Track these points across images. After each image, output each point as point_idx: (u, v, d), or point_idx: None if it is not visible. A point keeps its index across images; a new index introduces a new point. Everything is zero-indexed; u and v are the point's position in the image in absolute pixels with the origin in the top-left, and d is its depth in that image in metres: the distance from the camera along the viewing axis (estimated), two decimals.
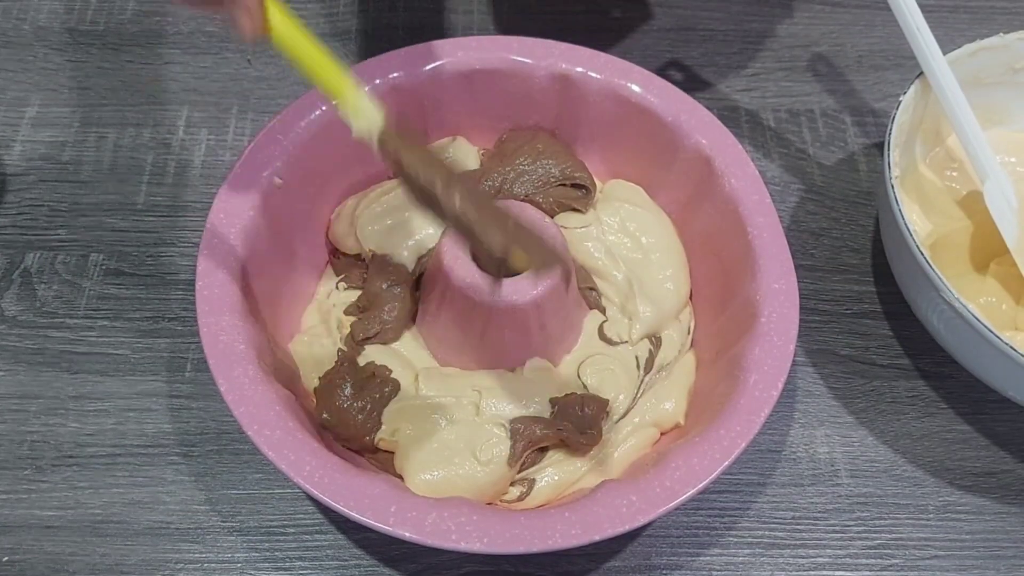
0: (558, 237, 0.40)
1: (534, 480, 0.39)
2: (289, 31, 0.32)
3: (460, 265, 0.38)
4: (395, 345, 0.42)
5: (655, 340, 0.42)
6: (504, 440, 0.38)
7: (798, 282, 0.39)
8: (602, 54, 0.45)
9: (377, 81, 0.43)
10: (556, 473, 0.39)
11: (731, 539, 0.41)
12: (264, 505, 0.41)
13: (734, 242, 0.41)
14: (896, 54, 0.57)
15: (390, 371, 0.40)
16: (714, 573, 0.40)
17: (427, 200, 0.33)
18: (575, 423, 0.39)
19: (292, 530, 0.40)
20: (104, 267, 0.47)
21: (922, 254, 0.39)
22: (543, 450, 0.40)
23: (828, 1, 0.60)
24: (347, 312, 0.43)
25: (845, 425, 0.44)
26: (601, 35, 0.57)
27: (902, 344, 0.47)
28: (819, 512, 0.42)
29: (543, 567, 0.40)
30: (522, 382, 0.40)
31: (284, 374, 0.39)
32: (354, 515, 0.33)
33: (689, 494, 0.34)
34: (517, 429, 0.38)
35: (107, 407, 0.43)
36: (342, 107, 0.33)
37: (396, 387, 0.40)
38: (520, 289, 0.38)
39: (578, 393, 0.40)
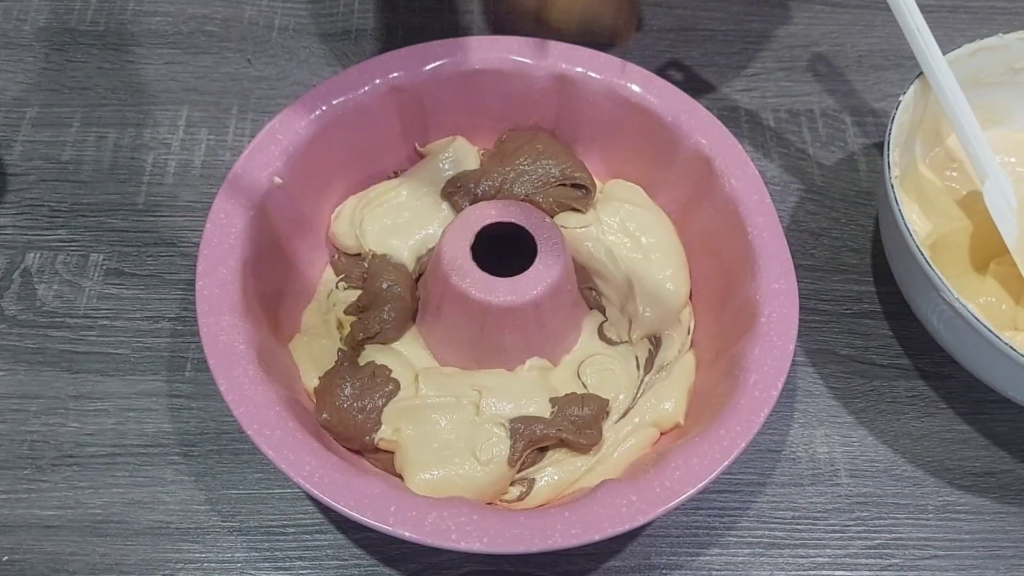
0: (558, 231, 0.40)
1: (534, 480, 0.39)
2: None
3: (460, 265, 0.38)
4: (395, 345, 0.42)
5: (655, 340, 0.42)
6: (504, 440, 0.38)
7: (798, 282, 0.39)
8: (602, 54, 0.45)
9: (377, 81, 0.43)
10: (556, 473, 0.39)
11: (731, 539, 0.41)
12: (264, 505, 0.41)
13: (734, 242, 0.41)
14: (896, 54, 0.57)
15: (390, 371, 0.40)
16: (714, 573, 0.40)
17: None
18: (575, 423, 0.39)
19: (292, 530, 0.40)
20: (104, 267, 0.47)
21: (922, 254, 0.39)
22: (543, 450, 0.40)
23: (828, 1, 0.60)
24: (347, 312, 0.43)
25: (845, 425, 0.44)
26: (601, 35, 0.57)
27: (902, 344, 0.47)
28: (819, 512, 0.42)
29: (543, 567, 0.40)
30: (522, 382, 0.40)
31: (284, 374, 0.39)
32: (354, 515, 0.33)
33: (689, 494, 0.34)
34: (517, 429, 0.38)
35: (107, 407, 0.43)
36: None
37: (396, 387, 0.40)
38: (520, 289, 0.38)
39: (578, 393, 0.40)
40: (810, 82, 0.56)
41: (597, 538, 0.33)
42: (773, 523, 0.41)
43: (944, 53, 0.44)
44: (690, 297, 0.44)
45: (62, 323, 0.45)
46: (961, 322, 0.39)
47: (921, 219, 0.47)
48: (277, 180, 0.41)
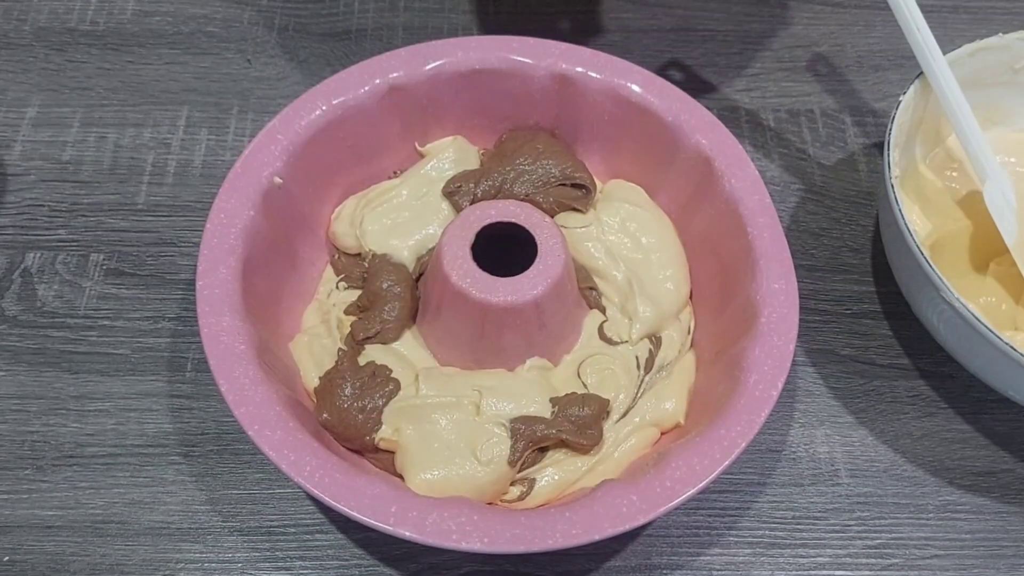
0: (558, 235, 0.40)
1: (534, 480, 0.39)
2: None
3: (460, 265, 0.38)
4: (395, 345, 0.42)
5: (655, 340, 0.42)
6: (504, 440, 0.38)
7: (798, 282, 0.39)
8: (602, 54, 0.45)
9: (377, 81, 0.43)
10: (556, 473, 0.39)
11: (731, 539, 0.41)
12: (264, 505, 0.41)
13: (734, 242, 0.41)
14: (896, 54, 0.57)
15: (390, 371, 0.40)
16: (714, 573, 0.40)
17: None
18: (575, 423, 0.39)
19: (293, 530, 0.40)
20: (104, 267, 0.47)
21: (922, 254, 0.39)
22: (543, 450, 0.40)
23: (828, 1, 0.60)
24: (347, 312, 0.43)
25: (845, 425, 0.44)
26: (601, 35, 0.57)
27: (902, 344, 0.47)
28: (819, 512, 0.42)
29: (543, 567, 0.40)
30: (522, 382, 0.40)
31: (284, 374, 0.39)
32: (354, 515, 0.33)
33: (689, 494, 0.34)
34: (517, 429, 0.38)
35: (107, 407, 0.43)
36: None
37: (396, 387, 0.40)
38: (520, 289, 0.38)
39: (578, 393, 0.40)
40: (810, 82, 0.56)
41: (597, 538, 0.33)
42: (773, 523, 0.41)
43: (944, 53, 0.44)
44: (690, 297, 0.44)
45: (62, 323, 0.45)
46: (961, 322, 0.39)
47: (921, 219, 0.47)
48: (277, 180, 0.41)
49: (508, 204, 0.41)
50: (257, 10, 0.57)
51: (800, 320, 0.38)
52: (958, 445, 0.44)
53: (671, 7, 0.59)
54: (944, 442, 0.44)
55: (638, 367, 0.42)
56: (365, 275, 0.43)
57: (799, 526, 0.41)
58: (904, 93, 0.44)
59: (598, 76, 0.44)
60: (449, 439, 0.38)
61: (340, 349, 0.41)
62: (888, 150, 0.43)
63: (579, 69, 0.44)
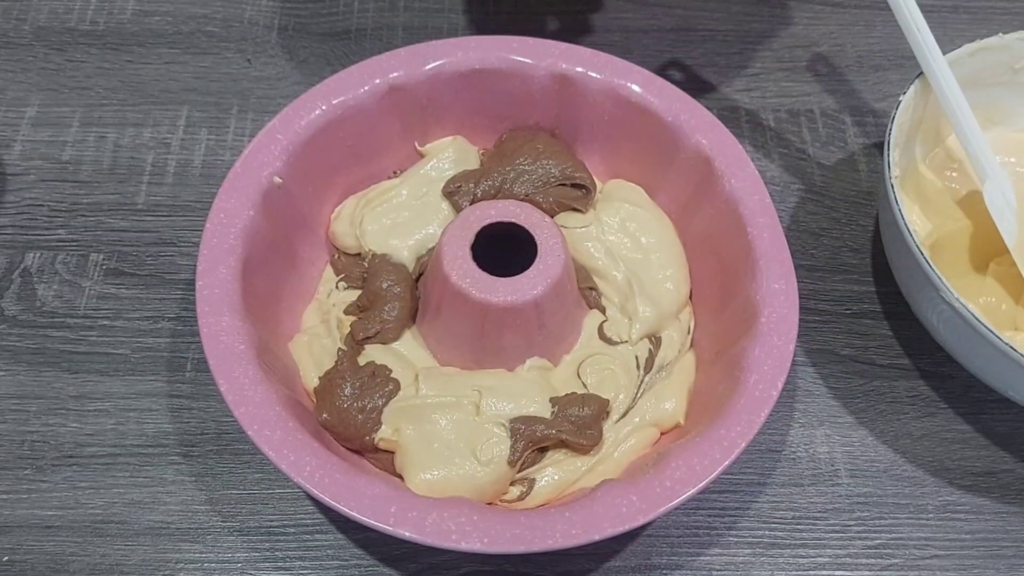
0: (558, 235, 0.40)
1: (534, 480, 0.39)
2: None
3: (460, 265, 0.38)
4: (395, 345, 0.42)
5: (655, 340, 0.42)
6: (504, 440, 0.38)
7: (798, 282, 0.39)
8: (602, 54, 0.45)
9: (377, 81, 0.43)
10: (556, 473, 0.39)
11: (731, 539, 0.41)
12: (264, 505, 0.41)
13: (734, 242, 0.41)
14: (896, 54, 0.57)
15: (390, 371, 0.40)
16: (714, 573, 0.40)
17: None
18: (575, 423, 0.39)
19: (292, 530, 0.40)
20: (104, 267, 0.47)
21: (922, 254, 0.39)
22: (543, 450, 0.40)
23: (828, 1, 0.60)
24: (347, 312, 0.43)
25: (845, 425, 0.44)
26: (601, 35, 0.57)
27: (902, 344, 0.47)
28: (819, 512, 0.42)
29: (543, 567, 0.40)
30: (522, 382, 0.40)
31: (284, 374, 0.39)
32: (354, 515, 0.33)
33: (689, 494, 0.34)
34: (517, 429, 0.38)
35: (107, 407, 0.43)
36: None
37: (396, 387, 0.40)
38: (520, 289, 0.38)
39: (578, 393, 0.40)
40: (810, 82, 0.56)
41: (597, 538, 0.33)
42: (773, 523, 0.41)
43: (944, 53, 0.44)
44: (690, 297, 0.44)
45: (62, 323, 0.45)
46: (961, 322, 0.39)
47: (921, 219, 0.47)
48: (277, 180, 0.41)
49: (508, 204, 0.41)
50: (257, 10, 0.57)
51: (800, 320, 0.38)
52: (958, 445, 0.44)
53: (671, 7, 0.59)
54: (944, 442, 0.44)
55: (638, 367, 0.42)
56: (365, 275, 0.43)
57: (799, 526, 0.41)
58: (904, 93, 0.44)
59: (598, 76, 0.44)
60: (449, 439, 0.38)
61: (340, 349, 0.41)
62: (888, 150, 0.43)
63: (579, 69, 0.44)
